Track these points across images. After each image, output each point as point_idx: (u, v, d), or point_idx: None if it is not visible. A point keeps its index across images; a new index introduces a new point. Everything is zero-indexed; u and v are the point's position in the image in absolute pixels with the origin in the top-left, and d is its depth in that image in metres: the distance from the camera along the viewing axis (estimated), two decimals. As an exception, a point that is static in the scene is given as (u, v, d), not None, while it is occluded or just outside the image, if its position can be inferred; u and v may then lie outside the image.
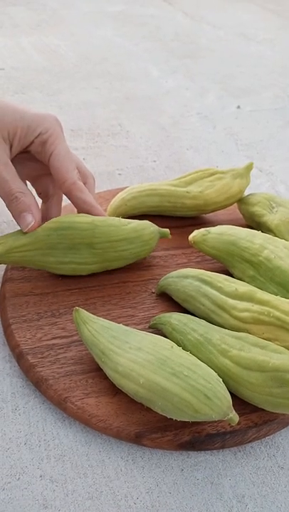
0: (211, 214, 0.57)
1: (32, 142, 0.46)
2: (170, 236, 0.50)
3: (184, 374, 0.35)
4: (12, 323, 0.43)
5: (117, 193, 0.57)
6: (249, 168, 0.55)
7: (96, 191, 0.58)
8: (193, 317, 0.42)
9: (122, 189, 0.59)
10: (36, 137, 0.46)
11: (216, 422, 0.37)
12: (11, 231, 0.53)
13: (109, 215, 0.53)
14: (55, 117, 0.47)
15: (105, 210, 0.55)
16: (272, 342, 0.38)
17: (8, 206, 0.44)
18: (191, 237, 0.49)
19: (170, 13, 1.35)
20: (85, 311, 0.40)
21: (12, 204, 0.44)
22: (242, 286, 0.42)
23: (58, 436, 0.38)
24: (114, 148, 0.74)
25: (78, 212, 0.48)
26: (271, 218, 0.51)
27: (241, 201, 0.55)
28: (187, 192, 0.53)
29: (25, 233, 0.44)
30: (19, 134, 0.45)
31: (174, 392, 0.34)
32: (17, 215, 0.44)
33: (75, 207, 0.47)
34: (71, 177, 0.46)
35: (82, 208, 0.47)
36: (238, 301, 0.41)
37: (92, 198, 0.47)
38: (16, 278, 0.47)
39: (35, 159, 0.48)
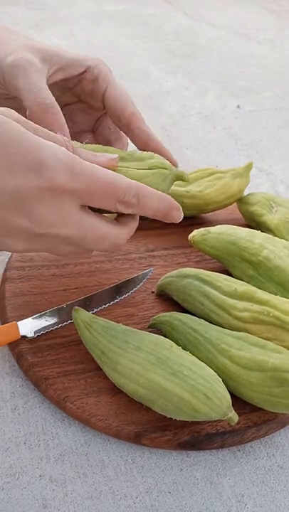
0: (210, 213, 0.57)
1: (80, 79, 0.45)
2: (188, 178, 0.44)
3: (183, 374, 0.35)
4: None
5: (117, 192, 0.57)
6: (249, 167, 0.55)
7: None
8: (192, 317, 0.42)
9: (121, 189, 0.59)
10: (85, 71, 0.45)
11: (215, 421, 0.37)
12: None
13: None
14: (99, 58, 0.47)
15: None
16: (272, 341, 0.38)
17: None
18: (190, 236, 0.48)
19: (170, 12, 1.35)
20: (85, 311, 0.40)
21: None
22: (241, 286, 0.42)
23: (58, 436, 0.38)
24: (114, 148, 0.74)
25: (137, 144, 0.47)
26: (271, 218, 0.51)
27: (241, 201, 0.55)
28: (187, 191, 0.53)
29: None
30: (64, 63, 0.44)
31: (173, 391, 0.34)
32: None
33: (133, 139, 0.47)
34: (130, 107, 0.46)
35: (140, 139, 0.46)
36: (238, 301, 0.41)
37: (150, 129, 0.47)
38: (15, 277, 0.47)
39: (83, 112, 0.47)
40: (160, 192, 0.39)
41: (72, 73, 0.45)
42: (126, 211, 0.38)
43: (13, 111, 0.35)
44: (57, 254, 0.39)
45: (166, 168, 0.41)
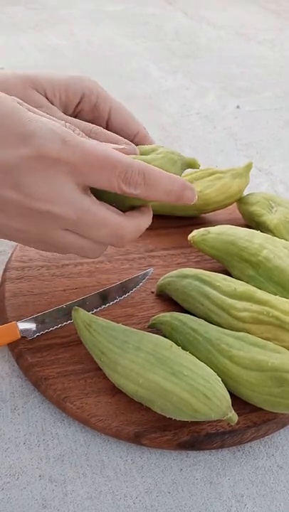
0: (210, 214, 0.57)
1: (78, 108, 0.41)
2: (199, 166, 0.42)
3: (183, 374, 0.35)
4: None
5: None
6: (248, 167, 0.55)
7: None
8: (192, 317, 0.41)
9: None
10: (81, 102, 0.41)
11: (215, 421, 0.37)
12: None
13: None
14: (89, 77, 0.43)
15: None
16: (272, 341, 0.38)
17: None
18: (190, 236, 0.48)
19: (170, 12, 1.35)
20: (85, 311, 0.40)
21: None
22: (241, 286, 0.42)
23: (57, 436, 0.38)
24: (113, 148, 0.74)
25: None
26: (270, 218, 0.51)
27: (240, 201, 0.55)
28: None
29: None
30: (58, 94, 0.41)
31: (173, 391, 0.34)
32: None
33: None
34: (141, 131, 0.43)
35: None
36: (237, 301, 0.41)
37: None
38: (15, 278, 0.47)
39: None
40: (170, 173, 0.37)
41: (70, 105, 0.41)
42: (132, 191, 0.35)
43: (16, 99, 0.34)
44: (55, 244, 0.36)
45: (173, 154, 0.40)
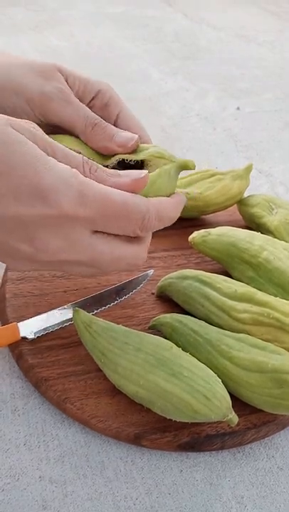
0: (210, 215, 0.57)
1: (90, 104, 0.42)
2: (194, 166, 0.43)
3: (183, 375, 0.35)
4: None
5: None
6: (249, 169, 0.55)
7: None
8: (192, 318, 0.42)
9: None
10: (95, 98, 0.42)
11: (215, 422, 0.37)
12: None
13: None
14: (108, 83, 0.44)
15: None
16: (272, 343, 0.39)
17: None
18: (190, 238, 0.49)
19: (170, 14, 1.35)
20: (85, 312, 0.40)
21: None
22: (241, 287, 0.42)
23: (58, 437, 0.38)
24: (114, 149, 0.74)
25: None
26: (271, 220, 0.51)
27: (241, 202, 0.55)
28: (187, 193, 0.53)
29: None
30: (78, 84, 0.42)
31: (173, 392, 0.34)
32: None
33: None
34: (147, 138, 0.43)
35: None
36: (238, 302, 0.41)
37: None
38: (16, 279, 0.47)
39: None
40: (174, 199, 0.39)
41: (85, 98, 0.42)
42: (146, 234, 0.36)
43: (35, 125, 0.34)
44: (70, 273, 0.37)
45: (163, 158, 0.40)
